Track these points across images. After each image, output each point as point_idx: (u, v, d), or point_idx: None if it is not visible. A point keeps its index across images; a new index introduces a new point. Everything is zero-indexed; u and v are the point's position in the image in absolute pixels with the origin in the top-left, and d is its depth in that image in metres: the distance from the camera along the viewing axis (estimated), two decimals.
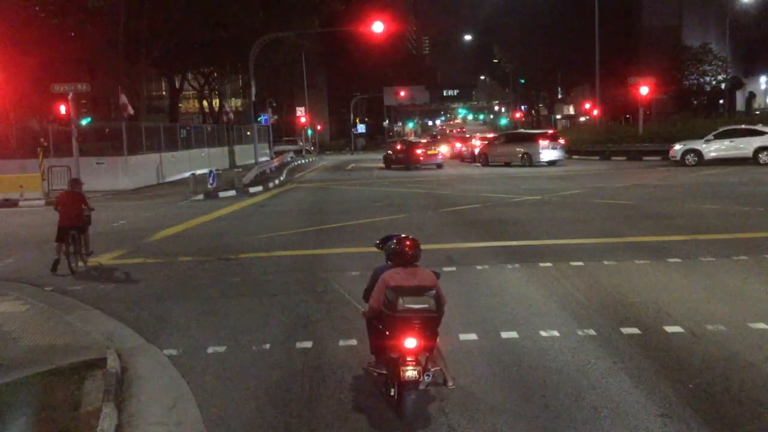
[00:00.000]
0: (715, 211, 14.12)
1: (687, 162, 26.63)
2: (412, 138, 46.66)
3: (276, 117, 56.76)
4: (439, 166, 33.76)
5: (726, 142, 26.24)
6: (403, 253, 4.97)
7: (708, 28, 59.15)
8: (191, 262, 10.71)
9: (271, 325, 7.15)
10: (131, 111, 26.09)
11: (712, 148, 26.44)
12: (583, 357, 5.82)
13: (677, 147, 27.60)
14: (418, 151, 33.94)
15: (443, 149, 35.91)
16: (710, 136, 26.66)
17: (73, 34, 33.51)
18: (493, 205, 16.71)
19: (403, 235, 5.16)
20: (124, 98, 26.04)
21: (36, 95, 29.50)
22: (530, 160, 30.91)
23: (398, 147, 36.66)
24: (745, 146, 25.79)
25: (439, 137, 68.21)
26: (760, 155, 25.34)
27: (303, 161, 48.30)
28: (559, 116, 79.85)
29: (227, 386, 5.50)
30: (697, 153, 26.63)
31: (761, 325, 6.43)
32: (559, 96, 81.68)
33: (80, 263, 10.55)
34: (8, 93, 27.08)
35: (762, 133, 25.81)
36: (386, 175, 29.68)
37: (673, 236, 11.25)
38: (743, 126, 27.79)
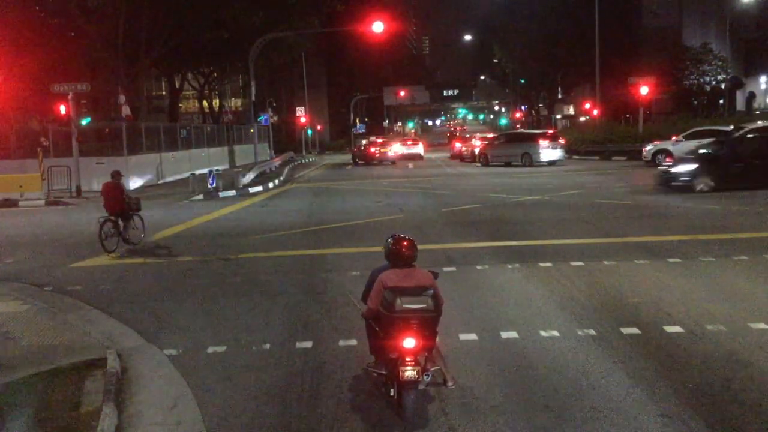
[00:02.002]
0: (715, 211, 14.12)
1: (657, 162, 26.83)
2: (372, 138, 52.52)
3: (276, 117, 56.78)
4: (393, 162, 39.43)
5: (695, 143, 26.42)
6: (399, 254, 4.97)
7: (708, 28, 59.13)
8: (191, 262, 10.71)
9: (271, 325, 7.15)
10: (128, 112, 26.10)
11: (683, 149, 26.61)
12: (583, 357, 5.82)
13: (648, 147, 28.01)
14: (373, 150, 40.22)
15: (395, 148, 42.08)
16: (681, 137, 26.94)
17: (73, 34, 33.49)
18: (493, 205, 16.71)
19: (400, 235, 5.14)
20: (122, 99, 26.04)
21: (36, 95, 29.49)
22: (530, 160, 30.93)
23: (360, 146, 43.11)
24: None
25: (449, 134, 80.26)
26: None
27: (303, 161, 48.32)
28: (559, 116, 79.77)
29: (227, 386, 5.50)
30: (668, 154, 26.81)
31: (761, 325, 6.43)
32: (559, 96, 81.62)
33: (127, 246, 11.97)
34: (8, 93, 27.03)
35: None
36: (383, 174, 29.68)
37: (673, 236, 11.25)
38: (713, 127, 28.08)
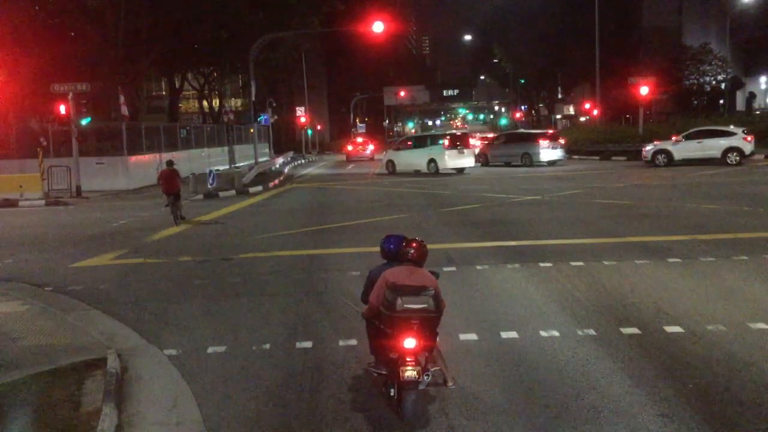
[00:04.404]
0: (714, 211, 14.12)
1: (657, 162, 27.05)
2: (354, 138, 58.50)
3: (276, 117, 56.80)
4: (371, 159, 44.67)
5: (695, 143, 26.60)
6: (405, 252, 5.01)
7: (708, 28, 59.15)
8: (191, 262, 10.71)
9: (271, 325, 7.15)
10: (126, 112, 26.12)
11: (682, 149, 26.72)
12: (583, 357, 5.82)
13: (648, 147, 28.13)
14: (350, 148, 48.05)
15: (371, 147, 47.86)
16: (680, 137, 27.03)
17: (73, 34, 33.49)
18: (493, 205, 16.71)
19: (395, 234, 5.32)
20: (122, 99, 26.05)
21: (36, 95, 29.46)
22: (530, 160, 30.94)
23: (347, 146, 50.58)
24: (713, 147, 26.13)
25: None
26: (728, 156, 25.69)
27: (303, 161, 48.35)
28: (559, 116, 79.78)
29: (227, 386, 5.50)
30: (668, 153, 26.98)
31: (761, 325, 6.43)
32: (559, 96, 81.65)
33: (181, 220, 15.11)
34: (8, 93, 27.01)
35: (730, 134, 26.16)
36: (385, 174, 29.69)
37: (673, 236, 11.25)
38: (713, 127, 28.14)
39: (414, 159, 29.33)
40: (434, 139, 29.68)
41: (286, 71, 58.95)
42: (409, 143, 31.82)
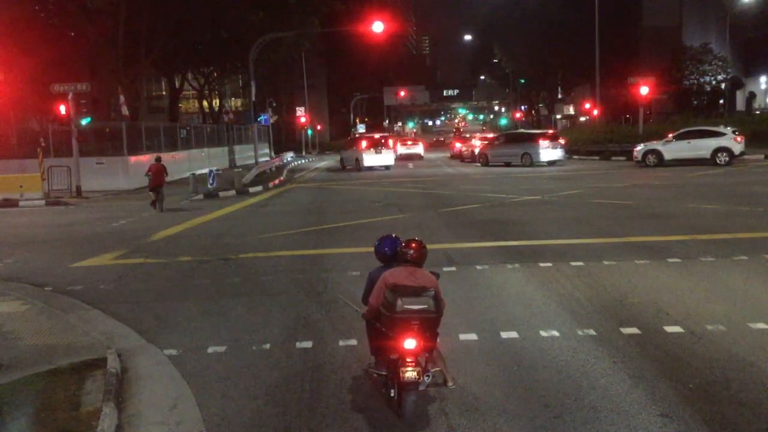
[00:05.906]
0: (714, 211, 14.12)
1: (647, 162, 27.19)
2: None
3: (276, 117, 56.83)
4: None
5: (685, 144, 26.68)
6: (404, 253, 5.01)
7: (708, 28, 59.17)
8: (191, 262, 10.71)
9: (271, 325, 7.15)
10: (126, 112, 26.20)
11: (672, 149, 26.80)
12: (583, 357, 5.82)
13: (639, 147, 28.30)
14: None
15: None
16: (670, 138, 27.16)
17: (73, 34, 33.51)
18: (493, 205, 16.71)
19: (392, 235, 5.35)
20: (122, 99, 26.12)
21: (36, 95, 29.49)
22: (530, 160, 30.96)
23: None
24: (703, 147, 26.22)
25: (455, 130, 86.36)
26: (717, 156, 25.76)
27: (303, 161, 48.37)
28: (559, 116, 79.79)
29: (227, 386, 5.50)
30: (658, 154, 27.08)
31: (761, 325, 6.43)
32: (559, 96, 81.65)
33: (161, 210, 17.43)
34: (8, 93, 27.03)
35: (720, 135, 26.22)
36: (382, 174, 29.73)
37: (673, 236, 11.24)
38: (702, 127, 28.23)
39: (349, 156, 35.46)
40: (359, 142, 35.61)
41: (286, 71, 58.94)
42: (349, 144, 37.93)
